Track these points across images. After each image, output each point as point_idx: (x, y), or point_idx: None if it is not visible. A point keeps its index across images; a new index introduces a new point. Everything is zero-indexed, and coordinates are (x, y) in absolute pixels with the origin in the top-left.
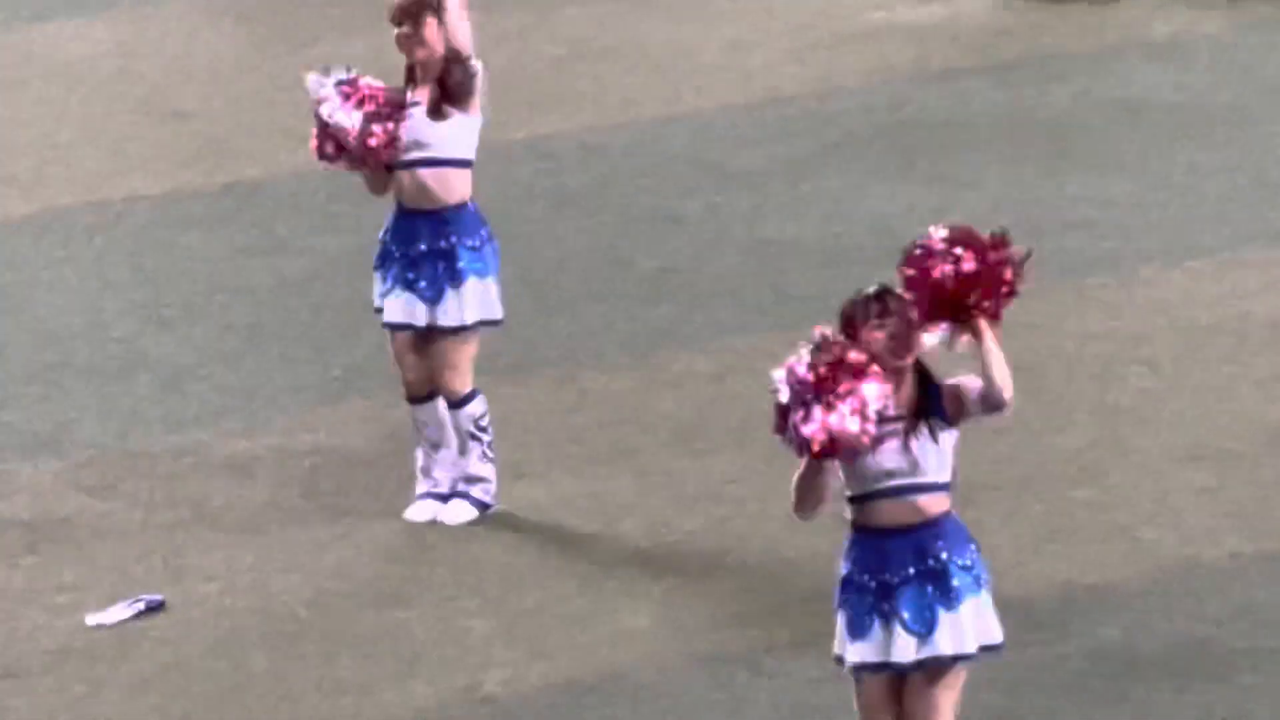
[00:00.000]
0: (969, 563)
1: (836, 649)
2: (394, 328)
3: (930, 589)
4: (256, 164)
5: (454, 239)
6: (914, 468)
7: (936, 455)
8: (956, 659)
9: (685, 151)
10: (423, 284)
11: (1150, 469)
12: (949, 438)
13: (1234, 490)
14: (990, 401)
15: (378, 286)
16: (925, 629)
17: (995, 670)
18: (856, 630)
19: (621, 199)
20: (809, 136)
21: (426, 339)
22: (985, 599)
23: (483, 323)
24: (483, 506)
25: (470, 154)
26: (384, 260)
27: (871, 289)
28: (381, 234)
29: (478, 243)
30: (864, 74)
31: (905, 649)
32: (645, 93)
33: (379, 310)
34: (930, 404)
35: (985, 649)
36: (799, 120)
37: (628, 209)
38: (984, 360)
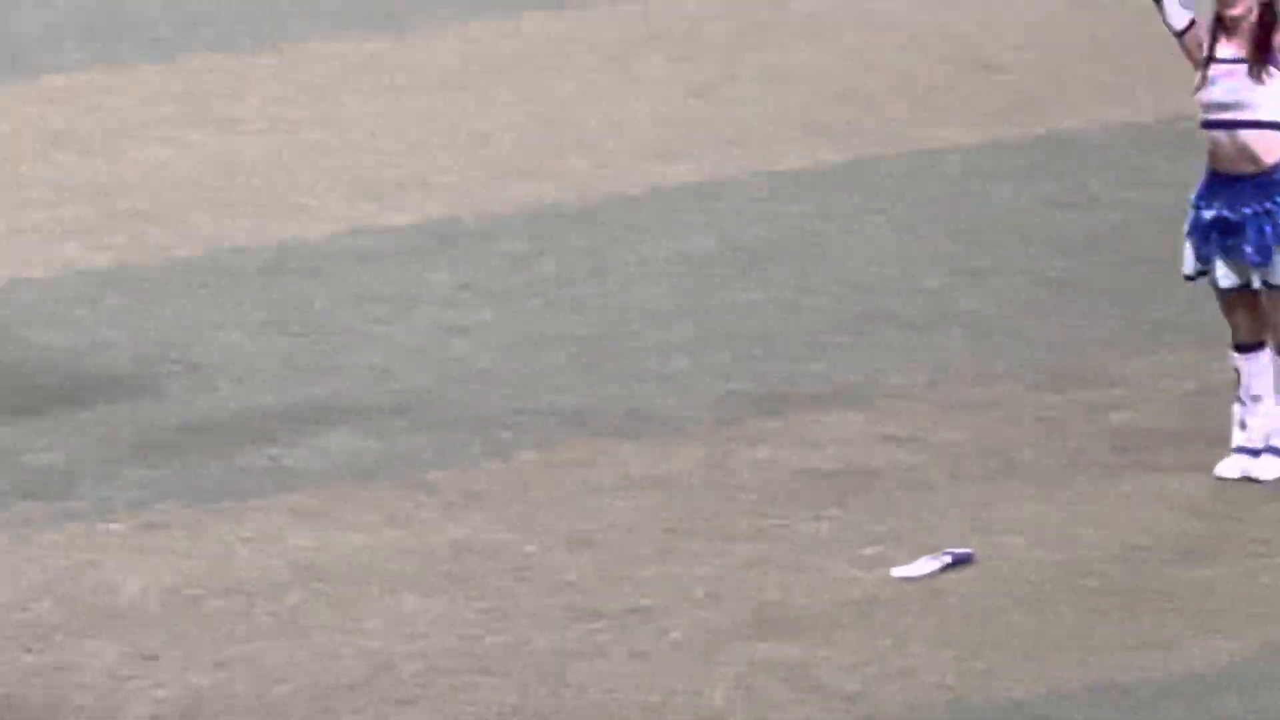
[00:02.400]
0: None
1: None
2: (1225, 291)
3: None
4: (1070, 116)
5: (1278, 199)
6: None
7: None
8: None
9: None
10: (1248, 248)
11: None
12: None
13: None
14: None
15: (1190, 254)
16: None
17: None
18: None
19: None
20: None
21: (1256, 292)
22: None
23: None
24: None
25: None
26: (1195, 228)
27: None
28: (1194, 199)
29: None
30: None
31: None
32: None
33: (1190, 277)
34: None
35: None
36: None
37: None
38: None
